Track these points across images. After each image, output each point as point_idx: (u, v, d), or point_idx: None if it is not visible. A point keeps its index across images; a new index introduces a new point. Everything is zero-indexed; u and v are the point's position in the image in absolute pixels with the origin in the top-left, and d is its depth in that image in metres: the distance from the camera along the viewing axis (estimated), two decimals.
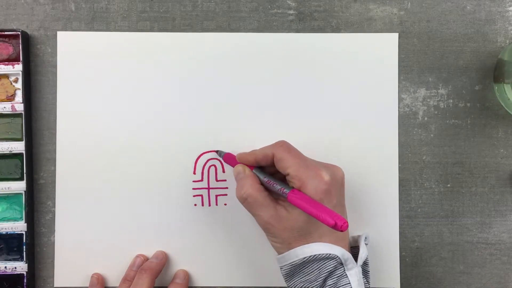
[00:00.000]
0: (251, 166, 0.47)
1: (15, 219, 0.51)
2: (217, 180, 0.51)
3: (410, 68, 0.52)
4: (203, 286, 0.52)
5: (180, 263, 0.51)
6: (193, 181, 0.51)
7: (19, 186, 0.50)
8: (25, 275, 0.50)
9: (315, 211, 0.40)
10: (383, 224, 0.51)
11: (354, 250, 0.46)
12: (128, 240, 0.51)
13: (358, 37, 0.51)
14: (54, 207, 0.51)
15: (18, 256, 0.51)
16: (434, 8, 0.52)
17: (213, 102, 0.51)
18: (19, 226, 0.50)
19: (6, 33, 0.50)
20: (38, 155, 0.51)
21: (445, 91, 0.52)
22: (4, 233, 0.50)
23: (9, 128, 0.51)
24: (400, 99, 0.52)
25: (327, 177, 0.43)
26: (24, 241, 0.50)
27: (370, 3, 0.52)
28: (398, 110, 0.52)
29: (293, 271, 0.44)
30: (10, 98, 0.51)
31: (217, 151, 0.51)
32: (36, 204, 0.51)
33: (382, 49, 0.51)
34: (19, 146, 0.50)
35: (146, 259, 0.51)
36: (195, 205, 0.51)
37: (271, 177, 0.45)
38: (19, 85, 0.51)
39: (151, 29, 0.52)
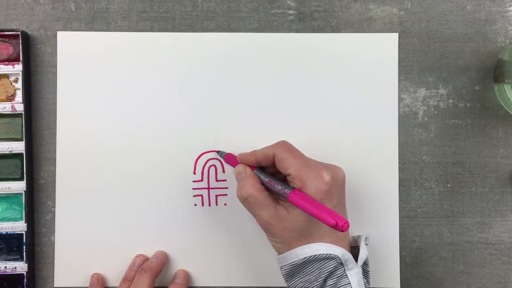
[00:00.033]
0: (252, 167, 0.47)
1: (15, 219, 0.51)
2: (217, 180, 0.51)
3: (410, 68, 0.52)
4: (203, 286, 0.52)
5: (180, 263, 0.51)
6: (193, 181, 0.51)
7: (19, 186, 0.50)
8: (25, 275, 0.50)
9: (316, 211, 0.40)
10: (383, 224, 0.51)
11: (354, 250, 0.46)
12: (128, 240, 0.51)
13: (358, 37, 0.51)
14: (54, 207, 0.51)
15: (18, 256, 0.51)
16: (434, 8, 0.52)
17: (213, 102, 0.51)
18: (19, 226, 0.50)
19: (6, 33, 0.50)
20: (38, 155, 0.51)
21: (445, 91, 0.52)
22: (4, 233, 0.50)
23: (9, 128, 0.51)
24: (400, 99, 0.52)
25: (328, 177, 0.43)
26: (24, 241, 0.50)
27: (370, 3, 0.52)
28: (398, 110, 0.52)
29: (293, 271, 0.44)
30: (10, 98, 0.51)
31: (218, 152, 0.51)
32: (36, 204, 0.51)
33: (382, 49, 0.51)
34: (19, 146, 0.50)
35: (146, 259, 0.51)
36: (195, 205, 0.51)
37: (272, 177, 0.45)
38: (19, 85, 0.51)
39: (151, 29, 0.52)
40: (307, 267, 0.43)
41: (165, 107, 0.51)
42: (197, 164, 0.51)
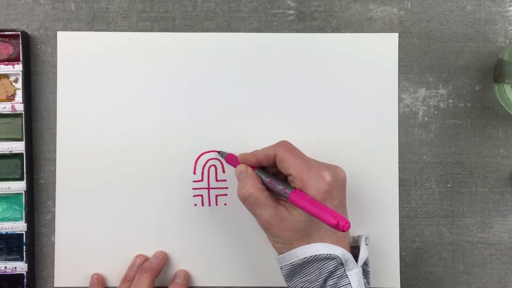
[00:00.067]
0: (253, 167, 0.47)
1: (15, 219, 0.51)
2: (217, 180, 0.51)
3: (410, 68, 0.52)
4: (203, 286, 0.52)
5: (180, 263, 0.51)
6: (193, 181, 0.51)
7: (19, 186, 0.50)
8: (25, 275, 0.50)
9: (317, 211, 0.40)
10: (383, 224, 0.51)
11: (354, 250, 0.46)
12: (128, 240, 0.51)
13: (358, 37, 0.51)
14: (54, 207, 0.51)
15: (18, 256, 0.51)
16: (434, 8, 0.52)
17: (213, 102, 0.51)
18: (19, 226, 0.50)
19: (6, 33, 0.50)
20: (38, 155, 0.51)
21: (445, 91, 0.52)
22: (4, 233, 0.50)
23: (9, 128, 0.51)
24: (400, 99, 0.52)
25: (329, 177, 0.43)
26: (24, 241, 0.50)
27: (370, 3, 0.52)
28: (398, 110, 0.52)
29: (293, 271, 0.44)
30: (10, 98, 0.51)
31: (219, 152, 0.51)
32: (36, 204, 0.51)
33: (382, 49, 0.51)
34: (19, 146, 0.50)
35: (146, 259, 0.51)
36: (195, 205, 0.51)
37: (273, 178, 0.45)
38: (19, 85, 0.51)
39: (151, 29, 0.52)
40: (307, 267, 0.43)
41: (165, 107, 0.51)
42: (197, 164, 0.51)
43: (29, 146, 0.51)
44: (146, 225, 0.51)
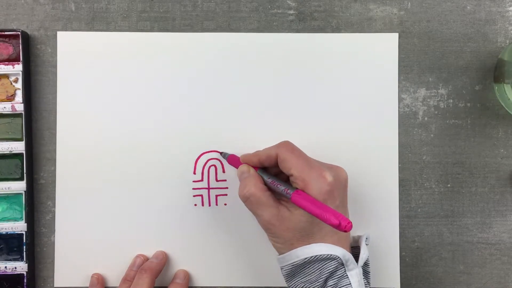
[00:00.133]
0: (255, 167, 0.47)
1: (15, 219, 0.51)
2: (217, 180, 0.51)
3: (410, 68, 0.52)
4: (203, 286, 0.52)
5: (180, 263, 0.51)
6: (193, 181, 0.51)
7: (19, 186, 0.50)
8: (25, 275, 0.50)
9: (319, 211, 0.40)
10: (383, 224, 0.51)
11: (354, 250, 0.46)
12: (128, 240, 0.51)
13: (358, 37, 0.51)
14: (54, 207, 0.51)
15: (18, 256, 0.51)
16: (434, 8, 0.52)
17: (213, 102, 0.51)
18: (19, 226, 0.50)
19: (6, 33, 0.50)
20: (38, 155, 0.51)
21: (445, 91, 0.52)
22: (4, 233, 0.50)
23: (9, 128, 0.51)
24: (400, 99, 0.52)
25: (330, 178, 0.43)
26: (24, 241, 0.50)
27: (370, 3, 0.52)
28: (398, 110, 0.52)
29: (294, 272, 0.44)
30: (10, 98, 0.51)
31: (221, 153, 0.51)
32: (36, 204, 0.51)
33: (382, 49, 0.51)
34: (19, 146, 0.50)
35: (146, 259, 0.51)
36: (195, 205, 0.51)
37: (275, 178, 0.45)
38: (19, 85, 0.51)
39: (151, 29, 0.52)
40: (308, 268, 0.43)
41: (165, 107, 0.51)
42: (197, 164, 0.51)
43: (29, 146, 0.51)
44: (146, 225, 0.51)
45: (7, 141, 0.51)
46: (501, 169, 0.52)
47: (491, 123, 0.52)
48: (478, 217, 0.52)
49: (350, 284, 0.43)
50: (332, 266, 0.43)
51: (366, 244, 0.46)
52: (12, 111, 0.50)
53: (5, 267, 0.50)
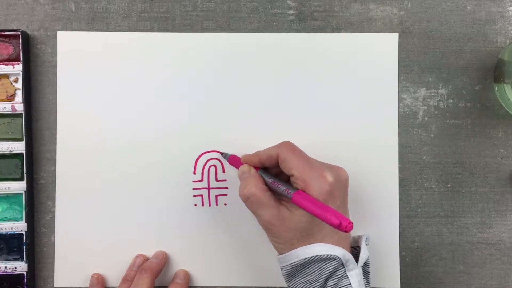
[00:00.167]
0: (256, 168, 0.47)
1: (15, 219, 0.51)
2: (217, 180, 0.51)
3: (410, 68, 0.52)
4: (203, 286, 0.52)
5: (180, 263, 0.51)
6: (193, 181, 0.51)
7: (19, 186, 0.50)
8: (25, 275, 0.50)
9: (320, 212, 0.40)
10: (383, 224, 0.51)
11: (354, 251, 0.46)
12: (128, 240, 0.51)
13: (358, 37, 0.51)
14: (54, 207, 0.51)
15: (18, 256, 0.51)
16: (434, 8, 0.52)
17: (213, 102, 0.51)
18: (19, 226, 0.50)
19: (6, 33, 0.50)
20: (38, 155, 0.51)
21: (445, 91, 0.52)
22: (4, 233, 0.50)
23: (9, 128, 0.51)
24: (400, 99, 0.52)
25: (331, 178, 0.43)
26: (24, 241, 0.50)
27: (370, 3, 0.52)
28: (398, 110, 0.52)
29: (294, 272, 0.44)
30: (10, 98, 0.51)
31: (222, 153, 0.51)
32: (36, 204, 0.51)
33: (382, 49, 0.51)
34: (19, 146, 0.50)
35: (146, 259, 0.51)
36: (195, 205, 0.51)
37: (276, 178, 0.45)
38: (19, 85, 0.51)
39: (151, 29, 0.52)
40: (308, 268, 0.43)
41: (165, 107, 0.51)
42: (197, 164, 0.51)
43: (29, 146, 0.51)
44: (146, 225, 0.51)
45: (7, 141, 0.51)
46: (501, 169, 0.52)
47: (491, 123, 0.52)
48: (478, 217, 0.52)
49: (350, 284, 0.43)
50: (332, 266, 0.43)
51: (366, 244, 0.46)
52: (12, 111, 0.50)
53: (5, 267, 0.50)
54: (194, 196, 0.51)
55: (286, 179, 0.45)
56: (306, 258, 0.43)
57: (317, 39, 0.51)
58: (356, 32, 0.51)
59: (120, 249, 0.51)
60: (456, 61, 0.52)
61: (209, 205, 0.51)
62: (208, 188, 0.51)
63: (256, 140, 0.50)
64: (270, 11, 0.52)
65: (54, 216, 0.51)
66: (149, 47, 0.51)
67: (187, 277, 0.51)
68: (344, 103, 0.51)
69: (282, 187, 0.44)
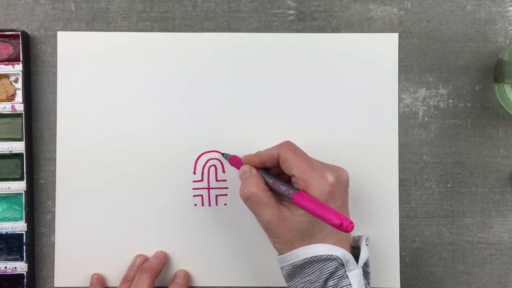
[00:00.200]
0: (256, 168, 0.47)
1: (15, 219, 0.51)
2: (217, 180, 0.51)
3: (410, 68, 0.52)
4: (203, 286, 0.52)
5: (180, 263, 0.51)
6: (193, 181, 0.51)
7: (19, 186, 0.50)
8: (25, 275, 0.50)
9: (321, 212, 0.40)
10: (383, 224, 0.51)
11: (354, 251, 0.46)
12: (128, 240, 0.51)
13: (358, 37, 0.51)
14: (54, 207, 0.51)
15: (18, 256, 0.51)
16: (434, 8, 0.52)
17: (213, 102, 0.51)
18: (19, 226, 0.50)
19: (6, 33, 0.50)
20: (38, 155, 0.51)
21: (445, 91, 0.52)
22: (4, 233, 0.50)
23: (9, 128, 0.51)
24: (400, 99, 0.52)
25: (332, 178, 0.43)
26: (24, 241, 0.50)
27: (370, 3, 0.52)
28: (398, 110, 0.52)
29: (294, 272, 0.44)
30: (10, 98, 0.51)
31: (223, 154, 0.51)
32: (36, 204, 0.51)
33: (382, 49, 0.51)
34: (19, 146, 0.50)
35: (146, 259, 0.51)
36: (195, 205, 0.51)
37: (277, 179, 0.45)
38: (19, 85, 0.51)
39: (151, 29, 0.52)
40: (308, 268, 0.43)
41: (165, 107, 0.51)
42: (197, 164, 0.51)
43: (29, 146, 0.51)
44: (146, 225, 0.51)
45: (7, 141, 0.51)
46: (501, 169, 0.52)
47: (491, 123, 0.52)
48: (478, 217, 0.52)
49: (350, 284, 0.43)
50: (332, 267, 0.43)
51: (366, 244, 0.46)
52: (12, 111, 0.50)
53: (5, 267, 0.50)
54: (194, 196, 0.51)
55: (287, 179, 0.45)
56: (306, 258, 0.43)
57: (317, 39, 0.51)
58: (356, 32, 0.51)
59: (120, 249, 0.51)
60: (456, 61, 0.52)
61: (209, 205, 0.51)
62: (208, 188, 0.51)
63: (256, 140, 0.50)
64: (270, 11, 0.52)
65: (54, 216, 0.51)
66: (149, 47, 0.51)
67: (187, 277, 0.51)
68: (344, 103, 0.51)
69: (283, 187, 0.44)
